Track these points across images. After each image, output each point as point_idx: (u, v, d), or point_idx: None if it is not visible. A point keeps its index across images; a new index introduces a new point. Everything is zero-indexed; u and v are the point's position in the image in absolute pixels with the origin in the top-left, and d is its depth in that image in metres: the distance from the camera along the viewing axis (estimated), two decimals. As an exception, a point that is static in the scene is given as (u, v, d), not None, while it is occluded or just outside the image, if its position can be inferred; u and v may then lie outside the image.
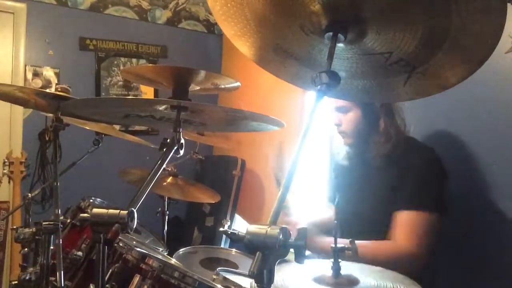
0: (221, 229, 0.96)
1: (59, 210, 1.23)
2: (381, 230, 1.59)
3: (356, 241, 1.32)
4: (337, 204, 1.86)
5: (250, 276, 0.63)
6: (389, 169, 1.61)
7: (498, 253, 1.70)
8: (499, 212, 1.71)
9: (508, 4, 0.84)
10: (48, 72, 3.11)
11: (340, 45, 0.86)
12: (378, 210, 1.61)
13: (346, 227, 1.64)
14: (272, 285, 0.64)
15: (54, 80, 3.11)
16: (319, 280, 1.10)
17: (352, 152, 1.76)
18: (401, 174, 1.57)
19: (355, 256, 1.16)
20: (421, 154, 1.63)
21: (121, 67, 3.37)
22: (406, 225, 1.51)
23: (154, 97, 3.45)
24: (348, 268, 1.14)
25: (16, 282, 1.27)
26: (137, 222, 0.84)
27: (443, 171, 1.59)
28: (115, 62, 3.37)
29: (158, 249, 1.79)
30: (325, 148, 2.19)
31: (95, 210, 0.83)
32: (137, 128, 3.31)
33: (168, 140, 1.00)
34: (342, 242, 1.11)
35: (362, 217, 1.64)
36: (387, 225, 1.58)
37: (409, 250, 1.48)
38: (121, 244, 1.27)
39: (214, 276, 1.19)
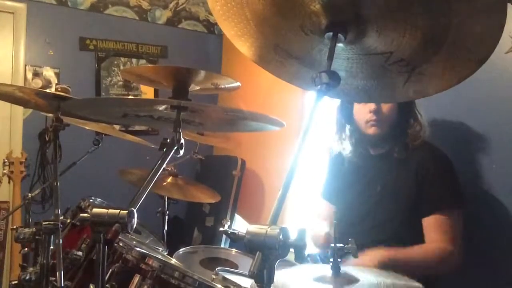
0: (221, 229, 0.96)
1: (59, 210, 1.23)
2: (404, 225, 1.62)
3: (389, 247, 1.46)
4: (341, 202, 1.85)
5: (250, 276, 0.63)
6: (410, 161, 1.66)
7: (498, 253, 1.70)
8: (499, 212, 1.71)
9: (508, 4, 0.85)
10: (48, 72, 3.10)
11: (340, 45, 0.86)
12: (403, 211, 1.64)
13: (359, 225, 1.65)
14: (272, 285, 0.64)
15: (54, 80, 3.11)
16: (319, 279, 1.11)
17: (366, 147, 1.77)
18: (420, 175, 1.62)
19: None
20: (435, 154, 1.68)
21: (121, 67, 3.36)
22: (438, 227, 1.58)
23: (154, 97, 3.43)
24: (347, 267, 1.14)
25: (16, 282, 1.27)
26: (137, 222, 0.84)
27: (454, 168, 1.65)
28: (115, 62, 3.36)
29: (158, 249, 1.79)
30: (322, 144, 2.18)
31: (95, 210, 0.83)
32: (137, 128, 3.30)
33: (168, 140, 1.00)
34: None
35: (383, 215, 1.66)
36: (413, 224, 1.61)
37: (447, 250, 1.55)
38: (121, 244, 1.27)
39: (214, 276, 1.19)
